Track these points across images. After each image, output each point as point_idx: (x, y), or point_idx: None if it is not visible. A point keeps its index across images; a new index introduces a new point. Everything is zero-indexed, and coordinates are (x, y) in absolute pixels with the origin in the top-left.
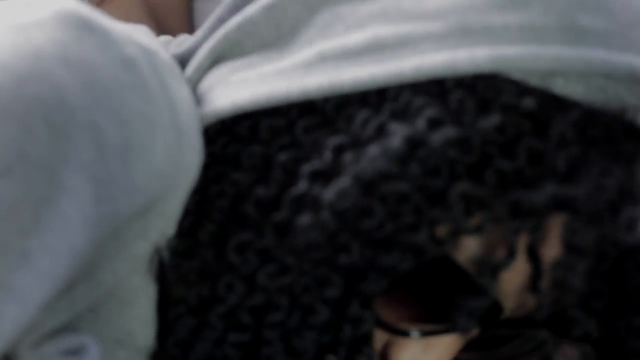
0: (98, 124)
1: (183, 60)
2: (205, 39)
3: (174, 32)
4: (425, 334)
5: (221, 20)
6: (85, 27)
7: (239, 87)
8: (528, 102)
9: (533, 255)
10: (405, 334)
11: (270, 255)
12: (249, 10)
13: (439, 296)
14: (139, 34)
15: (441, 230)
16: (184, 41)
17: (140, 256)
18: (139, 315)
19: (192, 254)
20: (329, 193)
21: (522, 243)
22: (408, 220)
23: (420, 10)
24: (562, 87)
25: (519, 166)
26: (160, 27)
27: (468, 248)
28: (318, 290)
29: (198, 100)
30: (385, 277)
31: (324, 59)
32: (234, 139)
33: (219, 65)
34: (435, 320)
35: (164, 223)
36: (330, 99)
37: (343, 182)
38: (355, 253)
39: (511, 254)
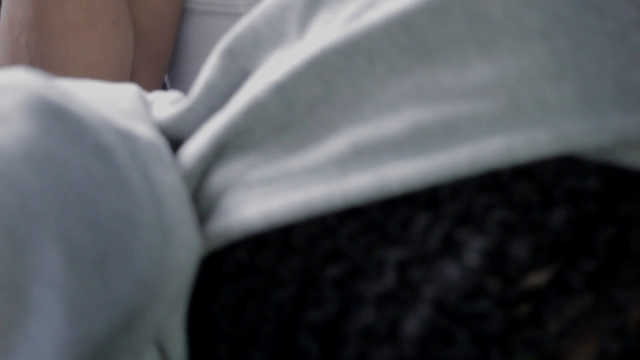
0: (68, 232)
1: (168, 133)
2: (194, 110)
3: (162, 50)
4: None
5: (210, 87)
6: (54, 115)
7: (265, 192)
8: (592, 183)
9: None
10: None
11: None
12: (255, 91)
13: None
14: (121, 106)
15: (529, 347)
16: (173, 102)
17: None
18: None
19: None
20: (410, 324)
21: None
22: (495, 343)
23: (462, 86)
24: (623, 157)
25: (600, 262)
26: (148, 44)
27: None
28: None
29: (211, 203)
30: None
31: (360, 154)
32: (264, 247)
33: (229, 158)
34: None
35: (151, 332)
36: (374, 201)
37: (423, 310)
38: None
39: (604, 356)
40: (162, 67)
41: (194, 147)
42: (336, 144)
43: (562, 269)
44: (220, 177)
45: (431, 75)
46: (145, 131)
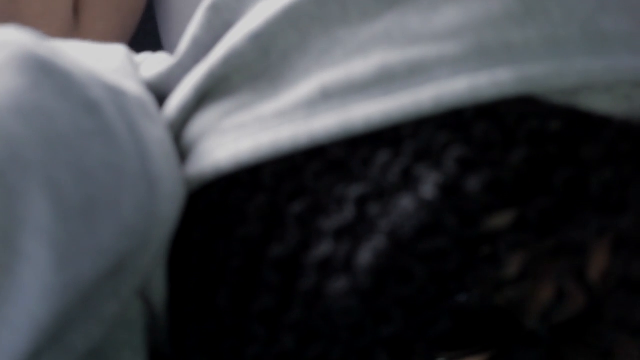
0: (57, 181)
1: (158, 89)
2: (182, 65)
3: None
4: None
5: (197, 42)
6: (43, 70)
7: (237, 136)
8: (554, 125)
9: (584, 286)
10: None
11: (300, 324)
12: (234, 40)
13: (474, 327)
14: (109, 65)
15: (486, 284)
16: (161, 62)
17: (112, 316)
18: None
19: (205, 319)
20: (363, 255)
21: (570, 275)
22: (452, 281)
23: (429, 30)
24: (588, 101)
25: (557, 200)
26: None
27: (512, 293)
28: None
29: (189, 149)
30: (433, 346)
31: (328, 96)
32: (234, 186)
33: (207, 106)
34: (466, 346)
35: (137, 280)
36: (340, 140)
37: (378, 241)
38: (397, 322)
39: (561, 296)
40: (129, 20)
41: (177, 98)
42: (306, 87)
43: (521, 210)
44: (198, 124)
45: (401, 19)
46: (132, 87)
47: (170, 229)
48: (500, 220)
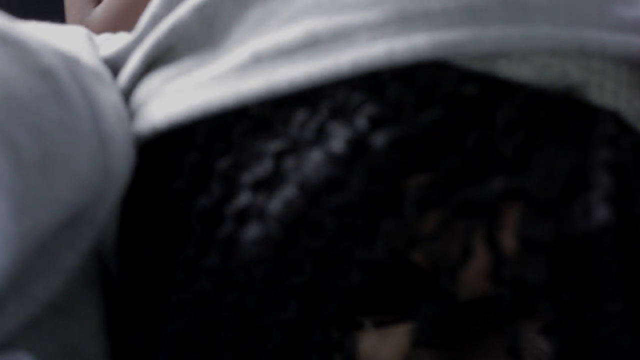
0: (13, 138)
1: (116, 63)
2: (139, 41)
3: None
4: (379, 324)
5: (155, 19)
6: None
7: (174, 99)
8: (469, 89)
9: (492, 247)
10: (359, 326)
11: (218, 272)
12: (180, 11)
13: (395, 288)
14: (66, 38)
15: (397, 241)
16: (120, 40)
17: (71, 268)
18: (85, 328)
19: (140, 269)
20: (274, 203)
21: (479, 235)
22: (361, 234)
23: None
24: (505, 69)
25: (467, 160)
26: None
27: (424, 249)
28: (273, 313)
29: (133, 113)
30: (343, 297)
31: (258, 60)
32: (171, 145)
33: (153, 73)
34: (389, 310)
35: (93, 232)
36: (267, 102)
37: (288, 191)
38: (308, 273)
39: (467, 253)
40: None
41: (128, 67)
42: (240, 54)
43: (426, 163)
44: (143, 89)
45: None
46: (86, 58)
47: (123, 185)
48: (416, 181)
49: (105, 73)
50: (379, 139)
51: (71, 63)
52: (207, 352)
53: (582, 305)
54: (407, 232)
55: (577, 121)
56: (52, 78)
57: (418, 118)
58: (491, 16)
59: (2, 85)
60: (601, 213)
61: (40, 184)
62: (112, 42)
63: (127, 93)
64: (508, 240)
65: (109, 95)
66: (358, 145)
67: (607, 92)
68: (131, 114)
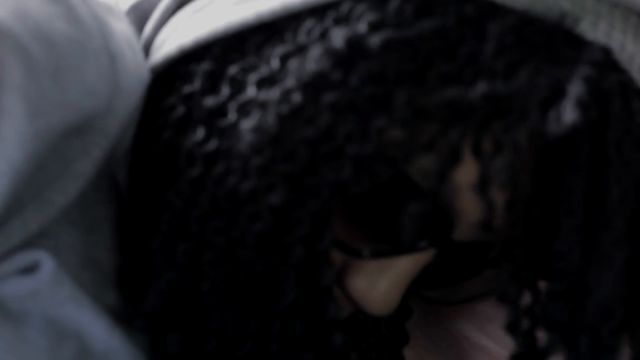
0: (27, 48)
1: (144, 9)
2: None
3: None
4: (375, 254)
5: None
6: None
7: (200, 23)
8: (468, 9)
9: (477, 155)
10: (357, 254)
11: (216, 159)
12: None
13: (393, 215)
14: None
15: (389, 139)
16: None
17: (84, 174)
18: (102, 243)
19: (148, 164)
20: (273, 93)
21: (468, 148)
22: (354, 129)
23: None
24: None
25: (458, 68)
26: None
27: (418, 160)
28: (263, 197)
29: (154, 49)
30: (336, 192)
31: None
32: (190, 61)
33: (184, 7)
34: (388, 241)
35: (105, 141)
36: (281, 17)
37: (287, 83)
38: (300, 161)
39: (455, 156)
40: None
41: (155, 14)
42: None
43: (419, 68)
44: (174, 21)
45: None
46: None
47: (134, 102)
48: (407, 91)
49: (117, 8)
50: (375, 39)
51: None
52: (198, 239)
53: (547, 221)
54: (400, 138)
55: (566, 47)
56: (65, 2)
57: (414, 26)
58: None
59: (15, 5)
60: (570, 115)
61: (51, 89)
62: None
63: (158, 27)
64: (488, 147)
65: (119, 24)
66: (355, 43)
67: (599, 31)
68: (159, 46)
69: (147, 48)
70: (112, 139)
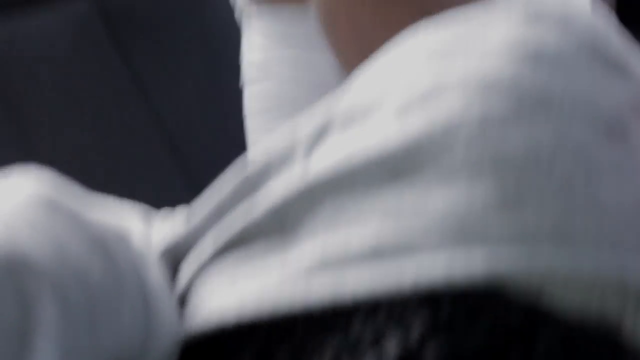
0: (64, 287)
1: (177, 252)
2: (203, 230)
3: None
4: None
5: (221, 209)
6: (55, 208)
7: (242, 287)
8: (514, 319)
9: None
10: None
11: None
12: (254, 214)
13: None
14: (121, 216)
15: None
16: (176, 225)
17: None
18: None
19: None
20: None
21: None
22: None
23: (420, 209)
24: (549, 293)
25: None
26: None
27: None
28: None
29: (199, 303)
30: None
31: (325, 265)
32: (233, 333)
33: (224, 255)
34: None
35: None
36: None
37: None
38: None
39: None
40: None
41: (196, 253)
42: (310, 252)
43: None
44: (210, 274)
45: (398, 197)
46: (135, 238)
47: (165, 352)
48: None
49: (151, 255)
50: (429, 353)
51: (122, 240)
52: None
53: None
54: None
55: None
56: (102, 245)
57: (466, 340)
58: (542, 242)
59: (55, 241)
60: None
61: (85, 333)
62: (168, 226)
63: (190, 285)
64: None
65: (152, 271)
66: (410, 354)
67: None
68: (187, 305)
69: (182, 298)
70: None
